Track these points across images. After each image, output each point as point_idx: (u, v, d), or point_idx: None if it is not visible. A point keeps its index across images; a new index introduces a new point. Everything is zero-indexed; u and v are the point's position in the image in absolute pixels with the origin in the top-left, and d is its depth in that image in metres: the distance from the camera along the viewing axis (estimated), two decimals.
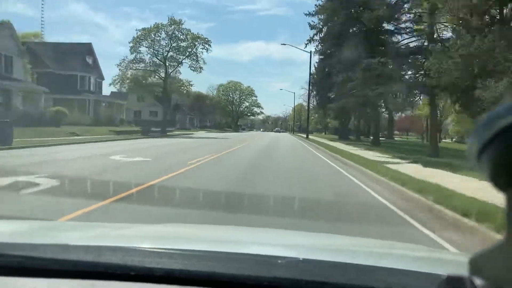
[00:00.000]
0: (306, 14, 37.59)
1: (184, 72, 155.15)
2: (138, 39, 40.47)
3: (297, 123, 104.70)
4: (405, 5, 26.12)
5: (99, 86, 50.14)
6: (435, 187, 8.07)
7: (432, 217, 6.08)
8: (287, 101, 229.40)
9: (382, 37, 28.74)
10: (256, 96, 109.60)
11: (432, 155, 18.04)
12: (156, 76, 42.25)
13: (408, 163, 15.08)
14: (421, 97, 19.56)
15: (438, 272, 0.93)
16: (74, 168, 10.05)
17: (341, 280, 0.99)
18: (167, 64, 41.49)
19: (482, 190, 7.18)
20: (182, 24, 41.55)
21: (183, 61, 42.31)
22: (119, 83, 40.37)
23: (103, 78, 50.21)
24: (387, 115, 65.11)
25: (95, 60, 49.38)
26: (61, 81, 43.57)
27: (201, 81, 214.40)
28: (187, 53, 41.86)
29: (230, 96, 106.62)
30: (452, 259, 1.71)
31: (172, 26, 41.46)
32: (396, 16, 27.48)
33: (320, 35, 38.01)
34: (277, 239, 1.87)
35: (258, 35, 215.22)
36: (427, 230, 5.29)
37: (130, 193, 6.70)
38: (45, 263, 1.05)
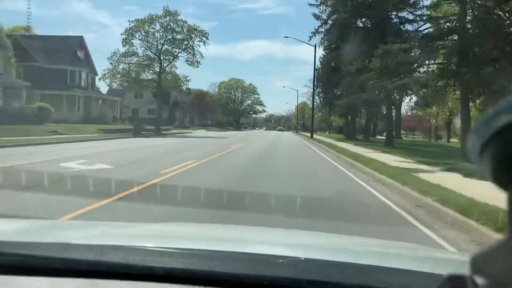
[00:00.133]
0: (310, 5, 34.73)
1: (181, 67, 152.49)
2: (130, 31, 37.64)
3: (300, 122, 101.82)
4: None
5: (92, 82, 47.43)
6: None
7: None
8: (290, 100, 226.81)
9: (395, 25, 25.79)
10: (258, 94, 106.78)
11: (467, 159, 15.01)
12: (151, 71, 39.41)
13: (442, 171, 12.20)
14: (455, 87, 16.43)
15: (439, 272, 0.94)
16: None
17: (342, 279, 0.98)
18: (161, 58, 38.67)
19: None
20: (177, 15, 38.75)
21: (179, 54, 39.53)
22: (109, 78, 37.47)
23: (96, 74, 47.40)
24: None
25: (87, 54, 46.63)
26: (49, 76, 40.85)
27: (203, 80, 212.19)
28: (183, 46, 39.03)
29: (231, 94, 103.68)
30: (453, 258, 1.75)
31: (167, 18, 38.66)
32: (411, 1, 24.60)
33: (326, 27, 35.14)
34: (278, 239, 1.87)
35: (260, 33, 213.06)
36: None
37: None
38: (46, 261, 1.04)
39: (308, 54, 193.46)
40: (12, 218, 2.99)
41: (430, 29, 22.23)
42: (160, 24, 38.46)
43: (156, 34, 38.60)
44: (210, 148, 19.42)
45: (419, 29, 24.61)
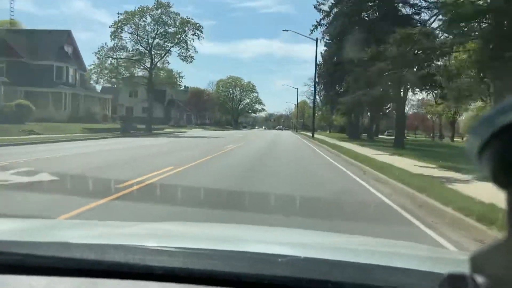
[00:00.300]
0: None
1: (177, 64, 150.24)
2: (119, 24, 35.23)
3: (300, 121, 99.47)
4: None
5: (81, 79, 44.98)
6: None
7: None
8: (290, 99, 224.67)
9: (407, 15, 23.44)
10: (257, 93, 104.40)
11: None
12: (141, 67, 37.00)
13: (476, 180, 9.85)
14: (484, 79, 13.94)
15: (439, 271, 0.94)
16: None
17: (342, 278, 0.98)
18: (153, 53, 36.27)
19: None
20: (170, 7, 36.35)
21: (171, 49, 37.15)
22: (95, 74, 35.01)
23: (85, 70, 44.97)
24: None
25: (75, 50, 44.21)
26: (34, 72, 38.42)
27: (202, 79, 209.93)
28: (176, 40, 36.63)
29: (230, 92, 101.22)
30: (453, 257, 1.78)
31: (159, 10, 36.25)
32: None
33: (328, 19, 32.79)
34: (278, 238, 1.87)
35: (260, 32, 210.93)
36: None
37: None
38: (46, 261, 1.04)
39: (308, 53, 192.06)
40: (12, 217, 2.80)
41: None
42: (151, 17, 36.10)
43: (147, 27, 36.28)
44: (199, 150, 17.07)
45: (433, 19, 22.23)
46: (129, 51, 35.89)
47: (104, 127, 33.61)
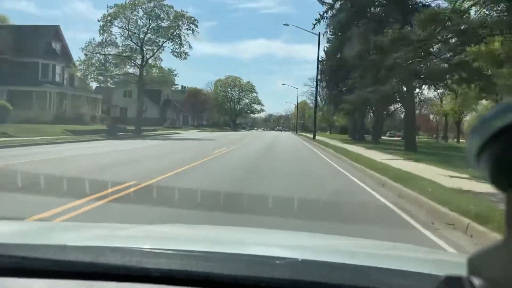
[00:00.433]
0: None
1: (172, 62, 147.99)
2: (109, 17, 32.89)
3: (300, 121, 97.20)
4: None
5: (71, 77, 42.62)
6: None
7: None
8: (290, 100, 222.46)
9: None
10: (256, 93, 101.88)
11: None
12: (132, 64, 34.63)
13: None
14: None
15: (436, 273, 0.94)
16: None
17: (340, 281, 0.98)
18: (144, 49, 33.94)
19: None
20: (163, 0, 34.01)
21: (164, 45, 34.81)
22: (81, 71, 32.59)
23: (76, 68, 42.58)
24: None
25: (64, 46, 41.86)
26: (18, 70, 36.08)
27: (202, 79, 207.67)
28: (169, 35, 34.30)
29: (228, 92, 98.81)
30: (451, 259, 1.74)
31: (152, 3, 33.91)
32: None
33: (333, 11, 30.51)
34: (276, 240, 1.86)
35: (260, 33, 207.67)
36: None
37: None
38: (43, 263, 1.04)
39: (308, 54, 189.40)
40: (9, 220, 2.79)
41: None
42: (143, 10, 33.75)
43: (139, 22, 33.90)
44: (182, 156, 14.78)
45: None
46: (119, 47, 33.55)
47: (89, 128, 31.29)
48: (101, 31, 32.86)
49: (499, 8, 10.99)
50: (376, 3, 24.80)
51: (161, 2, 33.97)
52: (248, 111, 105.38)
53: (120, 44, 33.56)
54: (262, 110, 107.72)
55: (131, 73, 35.00)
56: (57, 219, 4.64)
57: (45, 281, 1.01)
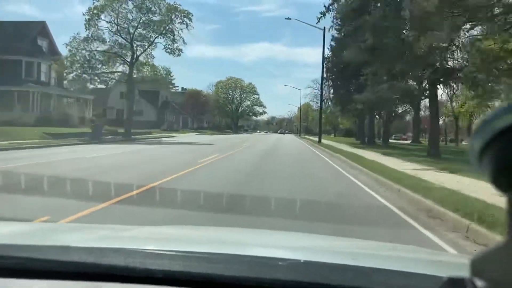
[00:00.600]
0: None
1: (169, 64, 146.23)
2: (95, 11, 30.12)
3: (304, 124, 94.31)
4: None
5: (59, 77, 39.84)
6: None
7: None
8: (292, 102, 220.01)
9: None
10: (258, 94, 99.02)
11: None
12: (121, 61, 31.82)
13: None
14: None
15: (439, 274, 0.94)
16: None
17: (342, 282, 0.98)
18: (134, 45, 31.14)
19: None
20: None
21: (156, 40, 31.99)
22: (64, 68, 29.73)
23: (63, 66, 39.76)
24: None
25: (51, 43, 39.12)
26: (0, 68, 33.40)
27: (204, 82, 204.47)
28: (162, 30, 31.49)
29: (229, 94, 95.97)
30: (453, 261, 1.75)
31: None
32: None
33: (340, 2, 27.67)
34: (278, 241, 1.85)
35: (262, 36, 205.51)
36: None
37: None
38: (46, 264, 1.04)
39: (310, 57, 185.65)
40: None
41: None
42: (133, 3, 30.98)
43: (128, 15, 31.11)
44: (156, 167, 11.91)
45: None
46: (106, 42, 30.74)
47: (74, 131, 28.48)
48: (87, 26, 30.06)
49: None
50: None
51: None
52: (250, 113, 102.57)
53: (108, 40, 30.78)
54: (264, 113, 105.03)
55: (121, 71, 32.18)
56: None
57: (49, 282, 1.00)
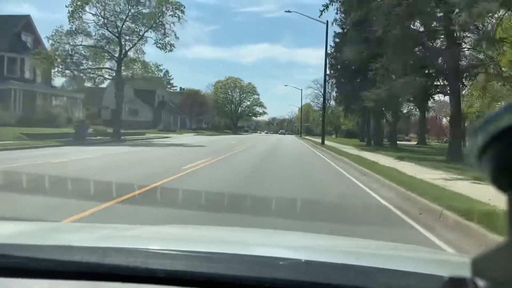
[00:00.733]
0: None
1: (169, 65, 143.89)
2: (79, 2, 27.81)
3: (305, 124, 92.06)
4: None
5: (45, 73, 37.44)
6: None
7: None
8: (293, 103, 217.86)
9: None
10: (258, 94, 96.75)
11: None
12: (108, 56, 29.50)
13: None
14: None
15: (440, 274, 0.92)
16: None
17: (343, 281, 0.98)
18: (122, 39, 28.84)
19: None
20: None
21: (147, 35, 29.72)
22: (44, 64, 27.37)
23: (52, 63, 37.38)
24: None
25: (37, 39, 36.78)
26: None
27: (203, 83, 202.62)
28: (152, 23, 29.21)
29: (229, 94, 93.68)
30: (454, 260, 1.71)
31: None
32: None
33: None
34: (279, 241, 1.85)
35: (262, 37, 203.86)
36: None
37: None
38: (48, 264, 1.04)
39: (311, 58, 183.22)
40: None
41: None
42: None
43: (116, 8, 28.82)
44: (124, 176, 9.61)
45: None
46: (92, 36, 28.43)
47: (56, 132, 26.16)
48: (70, 18, 27.77)
49: None
50: None
51: None
52: (250, 114, 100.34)
53: (94, 34, 28.47)
54: (264, 113, 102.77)
55: (108, 68, 29.86)
56: None
57: (50, 282, 1.00)
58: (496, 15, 12.65)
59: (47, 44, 29.16)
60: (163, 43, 29.50)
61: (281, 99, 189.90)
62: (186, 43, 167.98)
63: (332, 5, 26.83)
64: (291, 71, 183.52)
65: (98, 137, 29.24)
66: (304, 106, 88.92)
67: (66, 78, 31.35)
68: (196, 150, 20.37)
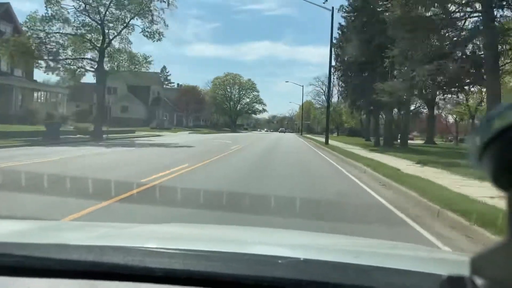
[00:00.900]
0: None
1: (168, 64, 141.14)
2: None
3: (306, 122, 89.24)
4: None
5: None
6: None
7: None
8: (294, 101, 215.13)
9: None
10: (258, 91, 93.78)
11: None
12: (91, 46, 26.63)
13: None
14: None
15: (439, 272, 0.93)
16: None
17: (342, 280, 0.98)
18: (105, 28, 25.96)
19: None
20: None
21: (132, 22, 26.79)
22: (14, 53, 24.36)
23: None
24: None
25: (17, 28, 33.87)
26: None
27: (203, 81, 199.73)
28: (139, 10, 26.32)
29: (227, 91, 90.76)
30: (453, 259, 1.72)
31: None
32: None
33: None
34: (278, 239, 1.84)
35: (264, 35, 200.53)
36: None
37: None
38: (45, 263, 1.04)
39: (312, 56, 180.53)
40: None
41: None
42: None
43: None
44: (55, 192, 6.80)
45: None
46: (71, 23, 25.53)
47: (25, 130, 23.32)
48: (47, 3, 24.87)
49: None
50: None
51: None
52: (249, 111, 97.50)
53: (73, 20, 25.58)
54: (264, 110, 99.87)
55: (89, 58, 27.00)
56: None
57: (48, 281, 1.00)
58: None
59: None
60: (150, 32, 26.59)
61: (282, 97, 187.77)
62: (186, 40, 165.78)
63: None
64: (292, 69, 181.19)
65: (78, 136, 26.47)
66: (305, 103, 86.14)
67: (47, 73, 28.22)
68: (177, 152, 17.47)
